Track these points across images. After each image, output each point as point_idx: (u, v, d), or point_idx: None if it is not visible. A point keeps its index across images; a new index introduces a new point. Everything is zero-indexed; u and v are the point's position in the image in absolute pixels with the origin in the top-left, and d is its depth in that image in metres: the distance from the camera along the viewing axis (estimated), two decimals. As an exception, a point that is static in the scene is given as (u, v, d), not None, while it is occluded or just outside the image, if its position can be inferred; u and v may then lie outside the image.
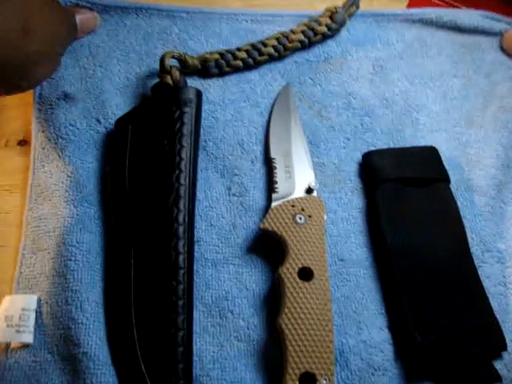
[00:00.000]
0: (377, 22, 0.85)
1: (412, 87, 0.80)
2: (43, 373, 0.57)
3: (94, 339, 0.58)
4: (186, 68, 0.74)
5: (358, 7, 0.83)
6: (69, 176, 0.66)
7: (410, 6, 0.90)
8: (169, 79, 0.70)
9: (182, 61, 0.73)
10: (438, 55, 0.84)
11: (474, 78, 0.82)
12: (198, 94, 0.70)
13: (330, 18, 0.80)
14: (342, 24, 0.81)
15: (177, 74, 0.71)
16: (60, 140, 0.69)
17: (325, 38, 0.81)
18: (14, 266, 0.63)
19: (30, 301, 0.60)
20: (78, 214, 0.65)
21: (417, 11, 0.86)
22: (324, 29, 0.80)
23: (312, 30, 0.79)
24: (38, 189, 0.67)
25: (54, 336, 0.59)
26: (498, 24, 0.86)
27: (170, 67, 0.71)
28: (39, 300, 0.60)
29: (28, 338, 0.58)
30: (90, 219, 0.65)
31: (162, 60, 0.71)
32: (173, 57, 0.72)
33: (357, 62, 0.81)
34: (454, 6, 0.90)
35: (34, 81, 0.62)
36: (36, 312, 0.60)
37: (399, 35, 0.84)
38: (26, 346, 0.58)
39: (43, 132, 0.70)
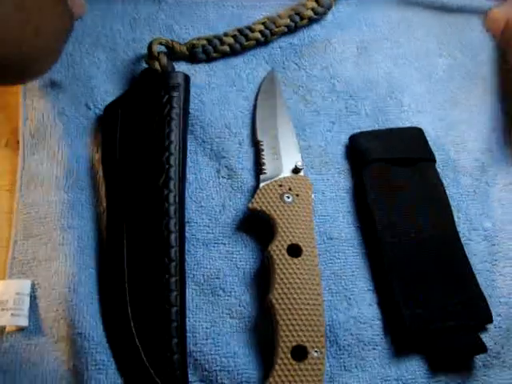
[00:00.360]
0: (362, 5, 0.84)
1: (396, 68, 0.80)
2: (38, 355, 0.58)
3: (88, 320, 0.59)
4: (174, 54, 0.74)
5: (344, -8, 0.83)
6: (59, 163, 0.67)
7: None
8: (157, 65, 0.71)
9: (169, 47, 0.74)
10: (425, 36, 0.83)
11: (460, 58, 0.82)
12: (186, 78, 0.71)
13: (316, 1, 0.80)
14: (328, 7, 0.81)
15: (164, 59, 0.71)
16: (49, 127, 0.69)
17: (311, 21, 0.81)
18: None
19: (24, 285, 0.60)
20: (68, 200, 0.65)
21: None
22: (310, 13, 0.79)
23: (298, 14, 0.79)
24: (27, 175, 0.67)
25: (48, 319, 0.59)
26: (488, 2, 0.85)
27: (158, 53, 0.71)
28: (33, 284, 0.61)
29: (23, 321, 0.59)
30: (81, 204, 0.66)
31: (149, 46, 0.71)
32: (160, 43, 0.73)
33: (341, 44, 0.81)
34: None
35: (38, 74, 0.63)
36: (30, 296, 0.60)
37: (385, 16, 0.84)
38: (20, 329, 0.59)
39: (32, 120, 0.70)
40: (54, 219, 0.64)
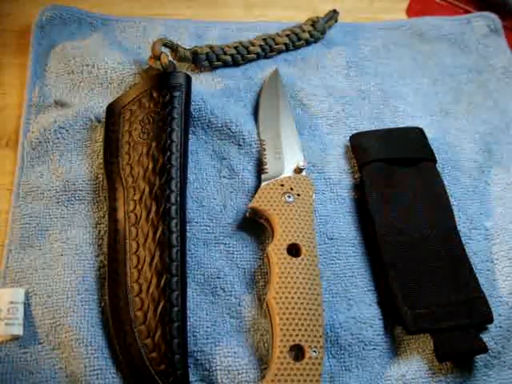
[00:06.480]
0: (348, 31, 0.86)
1: (385, 83, 0.81)
2: (35, 363, 0.56)
3: (85, 325, 0.57)
4: (177, 57, 0.73)
5: (336, 21, 0.85)
6: (59, 176, 0.66)
7: (411, 5, 0.92)
8: (158, 64, 0.70)
9: (173, 49, 0.73)
10: (405, 60, 0.85)
11: (440, 78, 0.83)
12: (188, 78, 0.69)
13: (312, 25, 0.82)
14: (322, 32, 0.83)
15: (166, 59, 0.70)
16: (51, 141, 0.68)
17: (308, 43, 0.83)
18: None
19: (18, 294, 0.58)
20: (68, 213, 0.64)
21: (384, 23, 0.88)
22: (307, 35, 0.82)
23: (296, 35, 0.81)
24: (26, 187, 0.65)
25: (44, 326, 0.57)
26: (458, 28, 0.88)
27: (161, 53, 0.70)
28: (27, 292, 0.59)
29: (18, 330, 0.56)
30: (80, 214, 0.64)
31: (153, 46, 0.70)
32: (165, 45, 0.72)
33: (330, 60, 0.82)
34: (455, 6, 0.92)
35: None
36: (24, 304, 0.58)
37: (368, 40, 0.85)
38: (15, 338, 0.57)
39: (33, 132, 0.68)
40: (55, 232, 0.63)
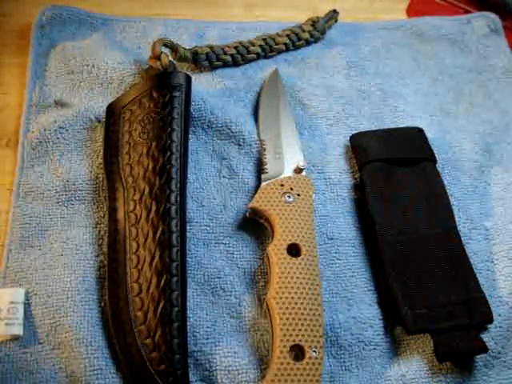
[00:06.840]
0: (348, 31, 0.86)
1: (385, 83, 0.81)
2: (35, 363, 0.56)
3: (85, 325, 0.57)
4: (177, 57, 0.73)
5: (336, 21, 0.85)
6: (59, 176, 0.66)
7: (411, 5, 0.92)
8: (158, 64, 0.70)
9: (173, 49, 0.73)
10: (405, 59, 0.84)
11: (440, 78, 0.83)
12: (188, 78, 0.69)
13: (312, 25, 0.82)
14: (322, 32, 0.83)
15: (166, 59, 0.70)
16: (51, 141, 0.68)
17: (308, 43, 0.83)
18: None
19: (18, 294, 0.58)
20: (68, 213, 0.64)
21: (384, 23, 0.88)
22: (307, 35, 0.82)
23: (296, 35, 0.81)
24: (26, 187, 0.65)
25: (44, 326, 0.57)
26: (460, 27, 0.88)
27: (161, 53, 0.70)
28: (27, 292, 0.59)
29: (18, 330, 0.56)
30: (81, 215, 0.64)
31: (153, 46, 0.70)
32: (165, 45, 0.72)
33: (331, 60, 0.82)
34: (455, 6, 0.92)
35: None
36: (24, 304, 0.58)
37: (368, 40, 0.85)
38: (15, 338, 0.57)
39: (33, 133, 0.68)
40: (55, 232, 0.63)
